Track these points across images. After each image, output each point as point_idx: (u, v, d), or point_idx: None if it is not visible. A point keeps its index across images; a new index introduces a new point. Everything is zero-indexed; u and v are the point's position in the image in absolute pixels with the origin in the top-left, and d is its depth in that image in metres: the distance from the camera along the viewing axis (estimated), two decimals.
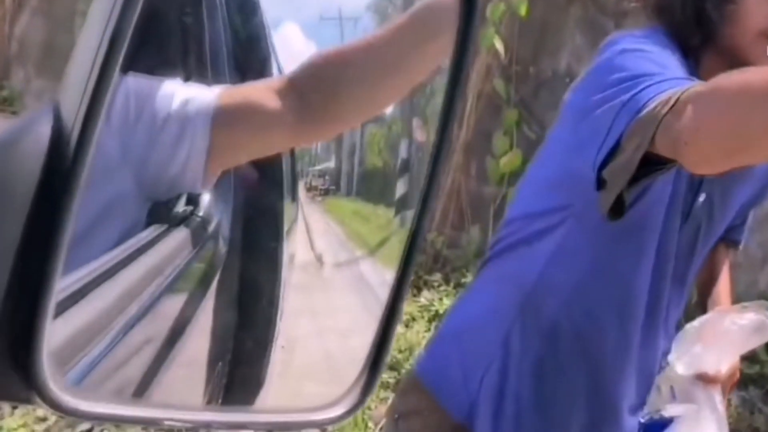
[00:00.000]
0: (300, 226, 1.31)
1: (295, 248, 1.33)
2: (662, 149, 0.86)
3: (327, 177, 1.31)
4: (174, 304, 0.74)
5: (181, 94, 0.73)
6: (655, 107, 0.86)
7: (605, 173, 0.93)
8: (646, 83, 0.90)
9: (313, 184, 1.32)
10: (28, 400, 0.37)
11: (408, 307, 3.74)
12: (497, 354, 1.15)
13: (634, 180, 0.91)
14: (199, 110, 0.71)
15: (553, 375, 1.14)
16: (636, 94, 0.90)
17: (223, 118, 0.72)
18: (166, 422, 0.44)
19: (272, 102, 0.72)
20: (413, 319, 3.61)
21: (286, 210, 1.18)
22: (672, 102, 0.84)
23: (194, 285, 0.82)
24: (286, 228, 1.21)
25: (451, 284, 3.87)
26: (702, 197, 1.13)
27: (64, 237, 0.36)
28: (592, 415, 1.16)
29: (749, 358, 2.85)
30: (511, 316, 1.15)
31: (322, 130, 0.83)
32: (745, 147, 0.83)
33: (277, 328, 1.21)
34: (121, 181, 0.70)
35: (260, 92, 0.75)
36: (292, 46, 1.42)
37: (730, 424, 2.71)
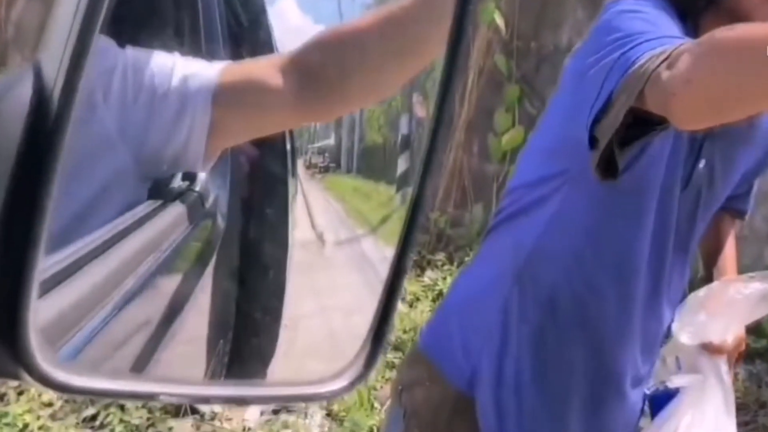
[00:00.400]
0: (300, 204, 1.29)
1: (296, 226, 1.32)
2: (651, 104, 0.85)
3: (326, 154, 1.29)
4: (171, 280, 0.72)
5: (181, 69, 0.71)
6: (646, 62, 0.85)
7: (596, 132, 0.92)
8: (639, 40, 0.89)
9: (313, 161, 1.30)
10: (15, 375, 0.35)
11: (411, 287, 3.73)
12: (497, 324, 1.15)
13: (628, 141, 0.90)
14: (200, 87, 0.70)
15: (552, 344, 1.13)
16: (627, 51, 0.89)
17: (224, 96, 0.70)
18: (163, 397, 0.42)
19: (274, 80, 0.70)
20: (417, 299, 3.60)
21: (290, 184, 1.17)
22: (664, 56, 0.83)
23: (192, 260, 0.81)
24: (291, 202, 1.20)
25: (455, 263, 3.86)
26: (702, 163, 1.11)
27: (49, 201, 0.34)
28: (593, 386, 1.15)
29: (756, 332, 2.84)
30: (509, 286, 1.14)
31: (325, 111, 0.81)
32: (736, 101, 0.82)
33: (285, 300, 1.21)
34: (119, 158, 0.68)
35: (262, 70, 0.73)
36: (288, 20, 1.40)
37: (737, 398, 2.70)
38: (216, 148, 0.75)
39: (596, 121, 0.92)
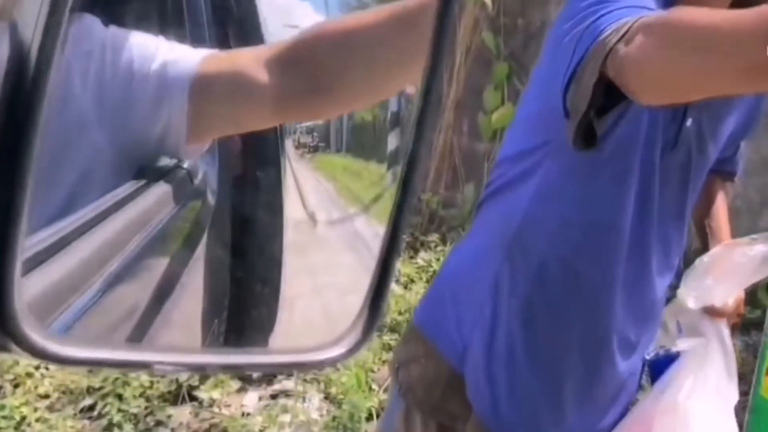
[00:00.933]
0: (291, 184, 1.28)
1: (288, 206, 1.31)
2: (612, 77, 0.85)
3: (315, 133, 1.28)
4: (161, 258, 0.71)
5: (162, 54, 0.68)
6: (609, 34, 0.85)
7: (568, 102, 0.91)
8: (609, 9, 0.89)
9: (302, 141, 1.28)
10: (3, 347, 0.34)
11: (405, 269, 3.73)
12: (488, 298, 1.15)
13: (604, 109, 0.90)
14: (179, 75, 0.67)
15: (542, 316, 1.13)
16: (596, 19, 0.89)
17: (202, 87, 0.68)
18: (158, 366, 0.41)
19: (257, 74, 0.67)
20: (411, 280, 3.60)
21: (281, 161, 1.15)
22: (624, 30, 0.83)
23: (182, 238, 0.79)
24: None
25: (448, 244, 3.86)
26: (689, 121, 1.10)
27: (29, 176, 0.33)
28: (583, 357, 1.15)
29: (752, 302, 2.85)
30: (499, 259, 1.14)
31: (310, 111, 0.77)
32: (688, 85, 0.81)
33: (284, 272, 1.20)
34: (98, 139, 0.67)
35: (246, 62, 0.70)
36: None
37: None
38: (198, 138, 0.73)
39: (568, 91, 0.91)
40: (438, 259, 3.74)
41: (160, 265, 0.70)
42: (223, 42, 1.00)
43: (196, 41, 0.89)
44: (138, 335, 0.58)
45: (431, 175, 4.09)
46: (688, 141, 1.11)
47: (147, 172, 0.72)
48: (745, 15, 0.73)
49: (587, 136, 0.92)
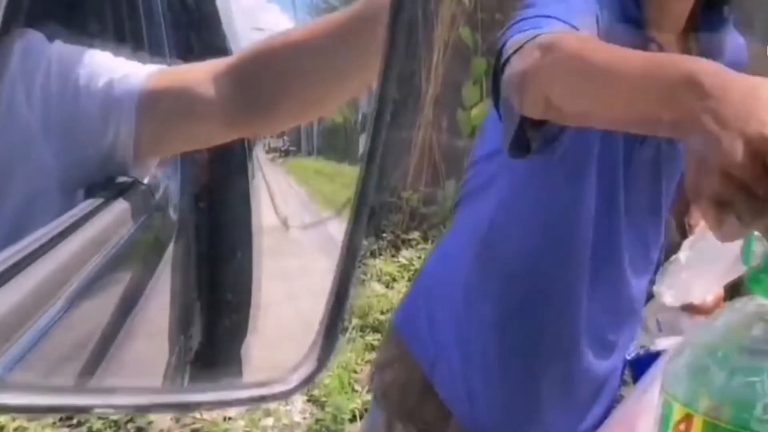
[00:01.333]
0: (262, 189, 1.26)
1: (260, 212, 1.29)
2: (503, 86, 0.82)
3: (286, 137, 1.26)
4: (120, 279, 0.69)
5: (109, 71, 0.67)
6: (510, 46, 0.82)
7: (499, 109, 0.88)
8: (530, 14, 0.86)
9: (273, 145, 1.26)
10: None
11: (387, 267, 3.72)
12: (460, 301, 1.13)
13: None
14: (126, 93, 0.66)
15: (512, 319, 1.12)
16: (517, 22, 0.86)
17: (149, 103, 0.66)
18: (99, 410, 0.39)
19: (204, 91, 0.66)
20: (394, 279, 3.59)
21: (248, 168, 1.13)
22: (523, 41, 0.80)
23: (143, 256, 0.77)
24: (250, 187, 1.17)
25: (430, 241, 3.85)
26: None
27: None
28: (556, 358, 1.13)
29: (731, 297, 2.85)
30: (470, 262, 1.13)
31: (260, 125, 0.75)
32: (565, 114, 0.78)
33: (255, 279, 1.18)
34: (44, 156, 0.64)
35: (193, 78, 0.69)
36: (240, 1, 1.36)
37: None
38: (147, 154, 0.72)
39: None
40: (420, 257, 3.73)
41: (118, 286, 0.68)
42: (186, 48, 0.97)
43: (155, 51, 0.87)
44: (91, 368, 0.55)
45: (411, 172, 4.07)
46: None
47: (105, 189, 0.70)
48: (637, 63, 0.69)
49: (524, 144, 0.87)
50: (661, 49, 0.98)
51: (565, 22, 0.84)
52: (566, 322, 1.11)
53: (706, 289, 1.20)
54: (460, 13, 3.94)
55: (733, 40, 1.12)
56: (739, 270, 1.21)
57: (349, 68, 0.64)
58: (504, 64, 0.82)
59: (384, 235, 4.06)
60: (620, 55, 0.71)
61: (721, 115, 0.55)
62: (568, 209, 1.06)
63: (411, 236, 3.94)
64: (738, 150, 0.53)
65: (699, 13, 1.04)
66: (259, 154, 1.31)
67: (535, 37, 0.80)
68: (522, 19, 0.85)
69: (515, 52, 0.80)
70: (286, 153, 1.33)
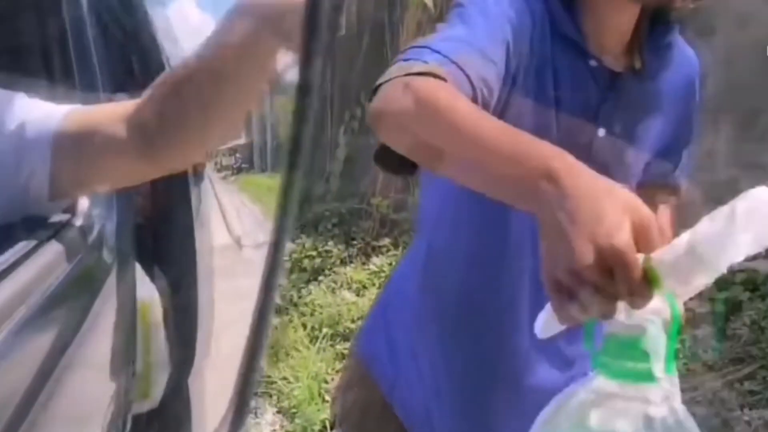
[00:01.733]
0: (214, 209, 1.24)
1: (213, 233, 1.27)
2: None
3: (238, 155, 1.25)
4: (50, 327, 0.66)
5: (22, 113, 0.67)
6: (388, 72, 0.80)
7: None
8: (416, 44, 0.84)
9: (224, 163, 1.25)
10: None
11: (358, 275, 3.70)
12: (411, 323, 1.11)
13: None
14: (38, 135, 0.66)
15: (455, 339, 1.10)
16: (407, 49, 0.84)
17: (62, 144, 0.66)
18: None
19: (113, 130, 0.67)
20: (364, 287, 3.58)
21: (192, 195, 1.11)
22: (393, 74, 0.79)
23: (76, 299, 0.74)
24: (195, 213, 1.15)
25: (401, 248, 3.84)
26: (601, 132, 1.04)
27: None
28: (506, 379, 1.12)
29: (699, 295, 2.86)
30: (419, 279, 1.11)
31: (166, 160, 0.73)
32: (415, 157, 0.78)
33: (200, 307, 1.16)
34: None
35: (102, 118, 0.69)
36: (189, 21, 1.34)
37: (684, 363, 2.73)
38: (63, 193, 0.70)
39: None
40: (390, 264, 3.72)
41: (47, 334, 0.65)
42: (124, 75, 0.95)
43: (86, 84, 0.85)
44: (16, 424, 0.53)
45: (380, 178, 4.06)
46: (603, 152, 1.05)
47: (36, 231, 0.68)
48: (504, 141, 0.69)
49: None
50: (600, 65, 0.97)
51: (446, 56, 0.82)
52: (509, 337, 1.10)
53: (661, 301, 1.19)
54: (426, 20, 3.94)
55: (681, 52, 1.09)
56: (700, 281, 1.20)
57: (246, 85, 0.65)
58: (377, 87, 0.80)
59: (354, 242, 4.04)
60: (487, 128, 0.71)
61: (575, 218, 0.57)
62: (493, 227, 1.05)
63: (381, 243, 3.93)
64: (588, 255, 0.55)
65: (644, 26, 1.02)
66: (211, 173, 1.29)
67: (408, 70, 0.78)
68: (413, 47, 0.83)
69: (385, 81, 0.78)
70: (239, 170, 1.32)
